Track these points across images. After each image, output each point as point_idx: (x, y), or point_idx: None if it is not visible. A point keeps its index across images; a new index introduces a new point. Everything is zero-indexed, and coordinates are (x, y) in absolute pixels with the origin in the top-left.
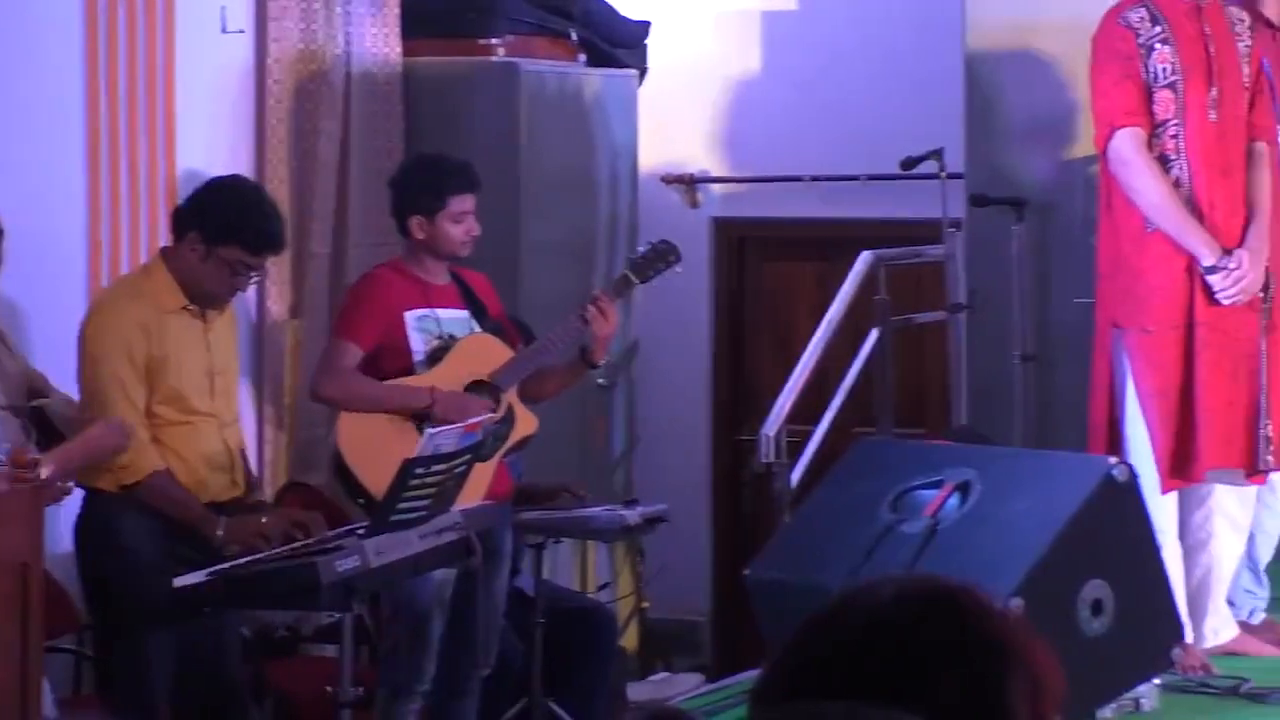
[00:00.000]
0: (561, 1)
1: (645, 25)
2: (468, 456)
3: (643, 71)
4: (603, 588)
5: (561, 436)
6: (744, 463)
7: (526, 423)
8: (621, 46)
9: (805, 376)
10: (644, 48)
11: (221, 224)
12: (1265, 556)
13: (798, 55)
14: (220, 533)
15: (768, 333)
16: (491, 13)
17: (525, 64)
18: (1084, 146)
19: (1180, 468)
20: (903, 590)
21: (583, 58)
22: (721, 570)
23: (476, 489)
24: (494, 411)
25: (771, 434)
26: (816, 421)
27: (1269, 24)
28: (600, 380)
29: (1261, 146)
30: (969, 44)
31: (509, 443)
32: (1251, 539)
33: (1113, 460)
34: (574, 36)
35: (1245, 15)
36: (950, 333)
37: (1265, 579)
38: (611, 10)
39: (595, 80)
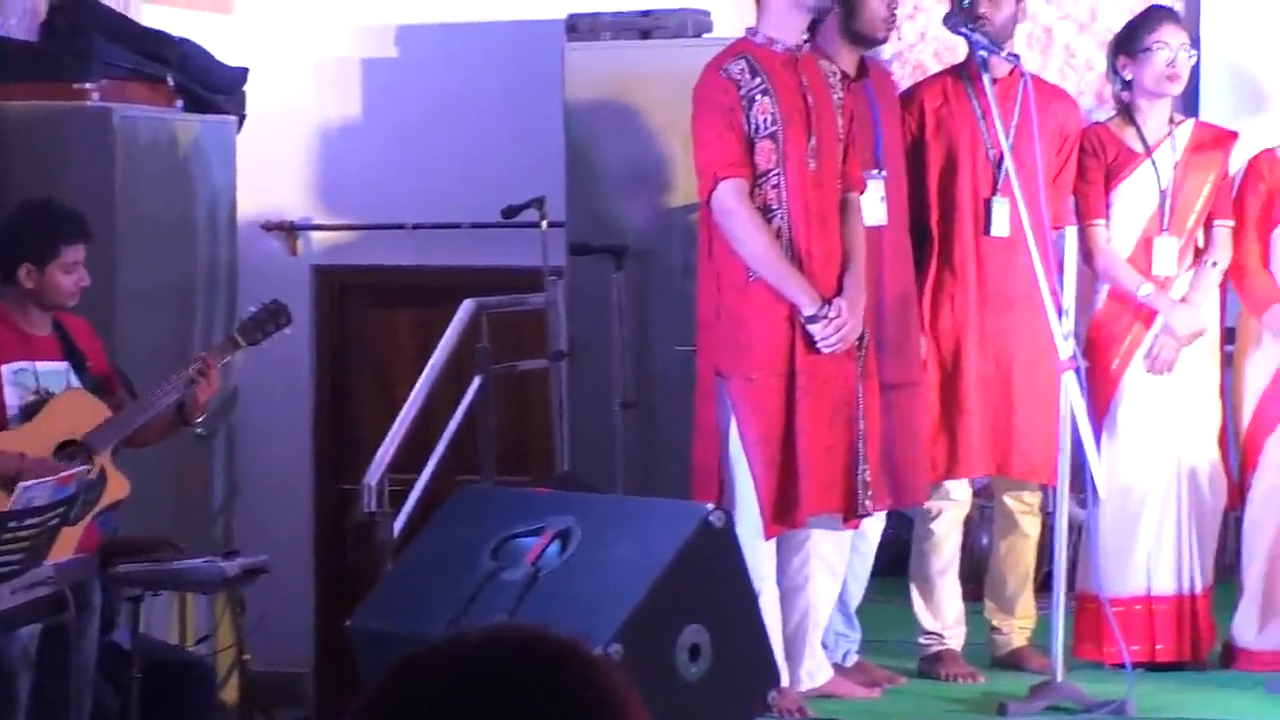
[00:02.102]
0: (158, 46)
1: (243, 71)
2: (61, 510)
3: (241, 118)
4: (202, 640)
5: (159, 487)
6: (348, 512)
7: (118, 486)
8: (219, 93)
9: (408, 425)
10: (242, 94)
11: None
12: (856, 599)
13: (398, 103)
14: None
15: (371, 381)
16: (85, 56)
17: (120, 109)
18: (682, 195)
19: (783, 514)
20: (494, 638)
21: (180, 103)
22: (324, 621)
23: (67, 544)
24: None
25: (373, 483)
26: (420, 470)
27: (846, 75)
28: (199, 430)
29: (855, 197)
30: (568, 94)
31: (99, 506)
32: (843, 582)
33: (709, 506)
34: (171, 82)
35: (837, 68)
36: (552, 380)
37: (856, 621)
38: (209, 56)
39: (193, 126)
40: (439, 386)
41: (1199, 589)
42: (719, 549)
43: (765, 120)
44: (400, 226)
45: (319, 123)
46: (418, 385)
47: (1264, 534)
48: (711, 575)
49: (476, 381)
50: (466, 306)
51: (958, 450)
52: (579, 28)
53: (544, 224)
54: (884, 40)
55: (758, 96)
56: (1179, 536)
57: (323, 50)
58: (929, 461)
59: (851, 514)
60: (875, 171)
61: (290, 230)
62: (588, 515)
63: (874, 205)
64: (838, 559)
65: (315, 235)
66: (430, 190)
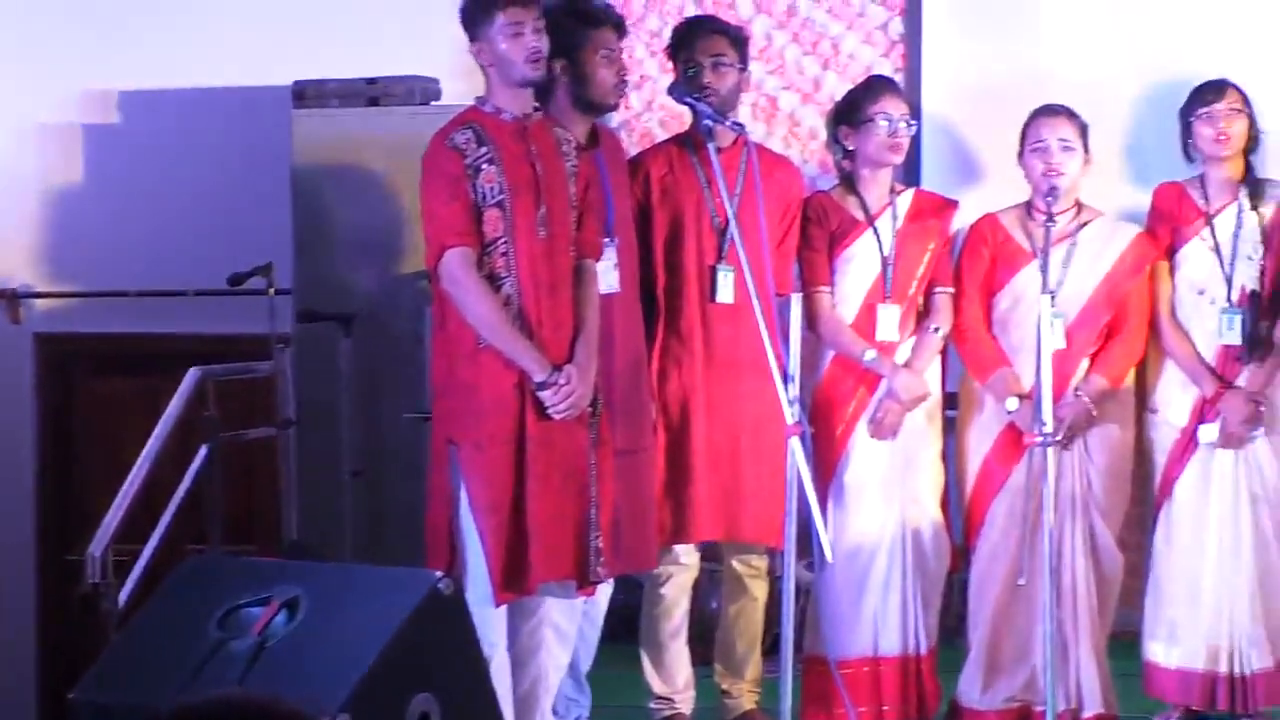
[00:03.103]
0: None
1: None
2: None
3: None
4: None
5: None
6: (73, 583)
7: None
8: None
9: (133, 495)
10: None
11: None
12: (586, 664)
13: (121, 169)
14: None
15: (96, 450)
16: None
17: None
18: (411, 262)
19: (513, 580)
20: (221, 707)
21: None
22: (48, 694)
23: None
24: None
25: (98, 553)
26: (147, 540)
27: (579, 143)
28: None
29: (589, 264)
30: (295, 161)
31: None
32: (575, 649)
33: (439, 574)
34: None
35: (571, 135)
36: (280, 448)
37: (587, 686)
38: None
39: None
40: (165, 455)
41: (924, 650)
42: (449, 616)
43: (492, 189)
44: (124, 294)
45: (41, 189)
46: (143, 454)
47: (988, 595)
48: (441, 643)
49: (203, 450)
50: (192, 374)
51: (686, 515)
52: (306, 95)
53: (271, 291)
54: (614, 108)
55: (484, 165)
56: (904, 598)
57: (44, 115)
58: (658, 527)
59: (584, 581)
60: (606, 240)
61: (12, 298)
62: (316, 584)
63: (606, 272)
64: (568, 625)
65: (37, 303)
66: (155, 257)
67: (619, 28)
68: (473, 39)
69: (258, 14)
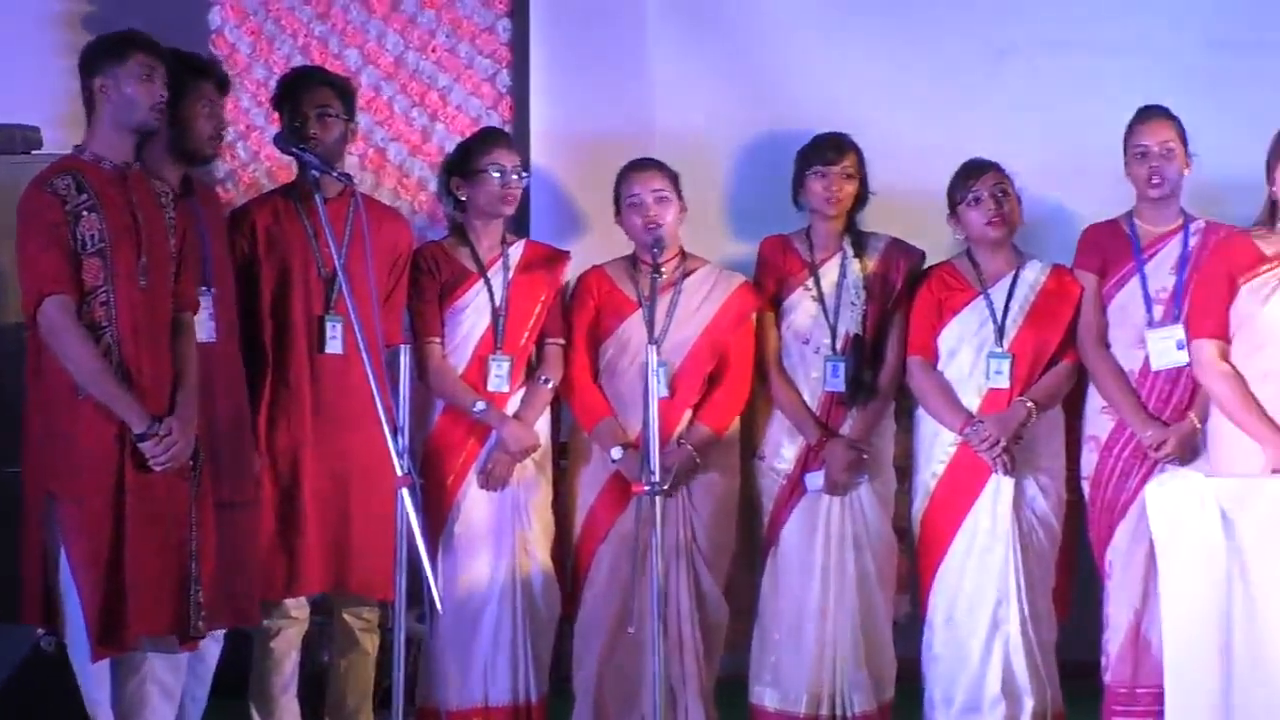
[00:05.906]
0: None
1: None
2: None
3: None
4: None
5: None
6: None
7: None
8: None
9: None
10: None
11: None
12: None
13: None
14: None
15: None
16: None
17: None
18: (12, 310)
19: (111, 636)
20: None
21: None
22: None
23: None
24: None
25: None
26: None
27: (175, 193)
28: None
29: (187, 316)
30: None
31: None
32: (182, 706)
33: (40, 631)
34: None
35: (168, 186)
36: None
37: None
38: None
39: None
40: None
41: (534, 698)
42: (51, 675)
43: (92, 237)
44: None
45: None
46: None
47: (594, 642)
48: (43, 702)
49: None
50: None
51: (297, 567)
52: None
53: None
54: (212, 158)
55: (84, 213)
56: (514, 647)
57: None
58: (268, 580)
59: (185, 635)
60: (204, 289)
61: None
62: None
63: (203, 322)
64: (173, 681)
65: None
66: None
67: (222, 85)
68: (95, 74)
69: None
